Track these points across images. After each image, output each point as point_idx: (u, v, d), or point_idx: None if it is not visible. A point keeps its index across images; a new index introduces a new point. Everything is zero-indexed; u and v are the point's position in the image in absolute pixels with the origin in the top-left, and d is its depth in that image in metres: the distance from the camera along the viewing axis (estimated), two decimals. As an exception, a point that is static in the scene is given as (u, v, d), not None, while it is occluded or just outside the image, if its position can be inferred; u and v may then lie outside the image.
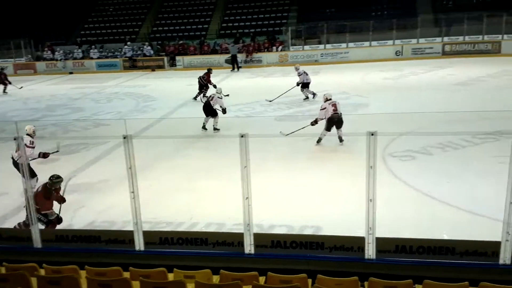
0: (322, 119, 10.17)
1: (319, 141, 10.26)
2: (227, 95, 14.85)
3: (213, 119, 11.87)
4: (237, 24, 28.02)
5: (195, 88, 16.43)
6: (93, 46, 27.25)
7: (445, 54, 22.82)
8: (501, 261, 4.61)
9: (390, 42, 23.78)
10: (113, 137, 8.75)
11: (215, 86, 14.85)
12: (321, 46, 24.80)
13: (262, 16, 28.21)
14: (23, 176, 5.76)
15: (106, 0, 31.81)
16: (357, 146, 6.67)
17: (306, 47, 25.05)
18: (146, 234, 5.27)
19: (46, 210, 6.29)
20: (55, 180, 6.37)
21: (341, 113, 10.09)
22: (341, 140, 10.16)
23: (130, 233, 5.25)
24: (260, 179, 7.43)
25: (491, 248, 4.62)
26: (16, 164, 7.89)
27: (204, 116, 11.92)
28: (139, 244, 5.23)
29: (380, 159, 8.88)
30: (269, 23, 27.73)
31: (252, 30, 27.09)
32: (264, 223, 6.61)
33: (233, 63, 23.91)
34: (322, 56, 24.03)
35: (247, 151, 5.17)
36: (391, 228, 5.88)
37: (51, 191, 6.36)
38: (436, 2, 26.53)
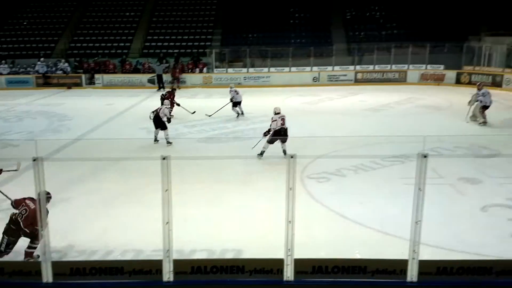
0: (276, 129, 10.76)
1: (261, 153, 10.68)
2: (194, 112, 15.80)
3: (163, 131, 12.27)
4: (160, 44, 27.71)
5: (116, 107, 15.86)
6: (3, 61, 25.34)
7: (357, 81, 24.35)
8: (408, 279, 4.88)
9: (308, 68, 24.89)
10: (22, 159, 8.10)
11: (178, 105, 15.57)
12: (244, 70, 25.28)
13: (187, 37, 28.20)
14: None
15: (21, 14, 29.92)
16: (277, 168, 6.82)
17: (230, 69, 25.40)
18: (55, 265, 4.88)
19: (30, 227, 5.72)
20: (48, 196, 5.56)
21: (287, 128, 10.73)
22: (285, 153, 10.50)
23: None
24: (181, 203, 7.31)
25: (399, 266, 4.89)
26: None
27: (154, 128, 12.44)
28: (47, 276, 4.82)
29: (298, 180, 9.18)
30: (193, 44, 27.77)
31: (176, 51, 26.95)
32: (184, 248, 6.46)
33: (159, 83, 23.54)
34: (245, 79, 24.48)
35: (168, 174, 5.06)
36: (308, 249, 6.05)
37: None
38: (349, 33, 28.40)
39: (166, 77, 23.92)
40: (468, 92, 19.73)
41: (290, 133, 13.63)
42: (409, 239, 4.97)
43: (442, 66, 23.43)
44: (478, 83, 15.04)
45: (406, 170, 9.61)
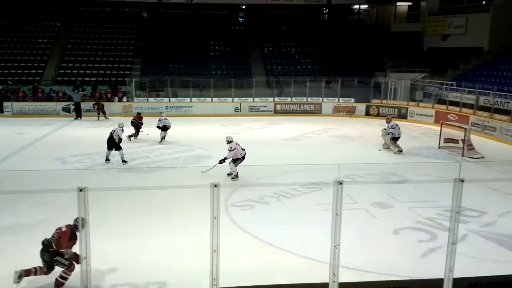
0: (238, 156, 11.42)
1: (236, 177, 11.38)
2: (147, 134, 16.95)
3: (118, 152, 13.15)
4: (76, 71, 26.60)
5: (27, 137, 14.78)
6: None
7: (276, 112, 25.19)
8: (329, 300, 5.05)
9: (230, 99, 25.30)
10: None
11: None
12: (166, 99, 25.03)
13: (104, 65, 27.41)
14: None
15: None
16: (201, 198, 6.75)
17: (151, 99, 24.99)
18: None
19: (63, 249, 6.01)
20: (82, 223, 5.30)
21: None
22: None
23: None
24: (101, 236, 6.94)
25: (321, 289, 5.05)
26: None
27: (107, 149, 13.15)
28: None
29: (223, 209, 9.15)
30: (111, 72, 27.02)
31: (94, 79, 26.00)
32: (104, 284, 6.09)
33: (77, 111, 22.43)
34: (167, 109, 24.17)
35: (86, 206, 4.81)
36: (233, 277, 6.01)
37: (75, 234, 5.95)
38: (267, 66, 29.52)
39: (84, 105, 22.90)
40: (377, 124, 21.31)
41: (213, 162, 13.68)
42: (329, 262, 5.16)
43: (353, 99, 25.10)
44: (386, 117, 16.33)
45: (324, 196, 10.03)
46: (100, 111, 22.13)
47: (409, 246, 7.80)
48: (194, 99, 24.96)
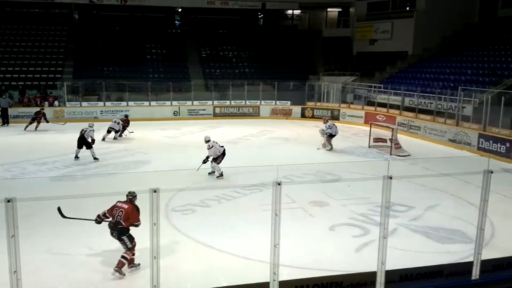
0: (218, 154, 11.96)
1: (221, 175, 11.84)
2: (132, 132, 18.12)
3: (89, 150, 13.86)
4: (2, 75, 24.88)
5: None
6: None
7: (216, 115, 25.15)
8: (270, 298, 5.14)
9: (168, 102, 24.88)
10: None
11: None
12: (101, 103, 24.10)
13: (33, 69, 25.87)
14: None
15: None
16: (140, 204, 6.60)
17: (84, 103, 23.95)
18: None
19: (136, 222, 6.67)
20: (135, 194, 6.79)
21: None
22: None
23: None
24: (27, 249, 6.55)
25: (262, 289, 5.12)
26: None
27: (77, 147, 13.83)
28: None
29: (163, 215, 8.98)
30: (41, 76, 25.56)
31: (21, 83, 24.45)
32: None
33: (3, 117, 20.92)
34: (102, 113, 23.30)
35: (15, 218, 4.52)
36: (175, 283, 5.93)
37: (137, 206, 6.71)
38: (206, 70, 29.39)
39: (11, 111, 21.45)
40: (312, 125, 21.95)
41: (152, 167, 13.39)
42: (269, 262, 5.25)
43: (289, 102, 25.68)
44: (323, 118, 16.94)
45: (265, 197, 10.17)
46: (43, 118, 20.31)
47: (344, 241, 8.11)
48: (131, 103, 24.26)
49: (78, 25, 30.41)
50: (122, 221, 6.66)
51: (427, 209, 9.74)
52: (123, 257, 6.69)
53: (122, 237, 6.70)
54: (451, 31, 27.72)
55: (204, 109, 25.14)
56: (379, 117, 21.28)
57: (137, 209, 6.69)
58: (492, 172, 5.49)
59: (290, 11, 34.48)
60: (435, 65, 25.34)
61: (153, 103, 24.69)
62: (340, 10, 33.54)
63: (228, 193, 10.52)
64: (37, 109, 20.50)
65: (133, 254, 6.74)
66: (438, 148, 17.00)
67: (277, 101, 25.76)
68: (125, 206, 6.78)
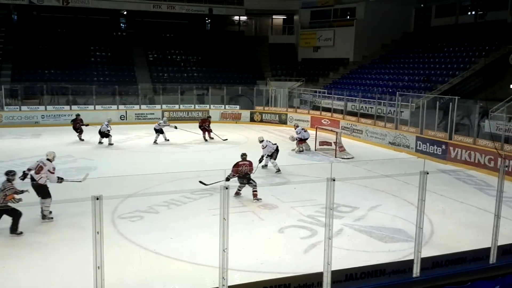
0: (272, 151, 13.44)
1: (279, 170, 13.04)
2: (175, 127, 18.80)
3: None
4: None
5: None
6: None
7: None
8: (220, 303, 5.03)
9: (115, 106, 24.07)
10: None
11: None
12: (42, 107, 22.86)
13: (-34, 71, 24.15)
14: (38, 196, 8.22)
15: None
16: (83, 212, 6.27)
17: (24, 107, 22.61)
18: None
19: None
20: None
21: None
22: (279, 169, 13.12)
23: None
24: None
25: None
26: (36, 186, 8.65)
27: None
28: None
29: (109, 222, 8.62)
30: (-25, 79, 23.90)
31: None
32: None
33: None
34: (43, 118, 22.12)
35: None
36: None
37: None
38: (153, 73, 28.77)
39: None
40: (260, 129, 22.08)
41: (97, 173, 12.83)
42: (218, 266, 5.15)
43: (238, 106, 25.70)
44: (294, 125, 17.73)
45: (214, 202, 10.04)
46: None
47: (293, 243, 8.16)
48: (74, 107, 23.24)
49: (17, 26, 28.75)
50: (248, 172, 10.30)
51: (370, 209, 10.04)
52: (255, 192, 10.27)
53: (250, 180, 10.27)
54: (389, 40, 29.05)
55: (153, 113, 24.56)
56: (324, 121, 21.80)
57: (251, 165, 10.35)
58: (428, 173, 5.72)
59: (236, 17, 34.63)
60: (374, 72, 26.40)
61: (98, 107, 23.79)
62: (285, 17, 34.16)
63: (177, 198, 10.30)
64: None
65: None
66: (379, 150, 17.65)
67: (226, 106, 25.69)
68: (247, 162, 10.48)
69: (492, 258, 6.24)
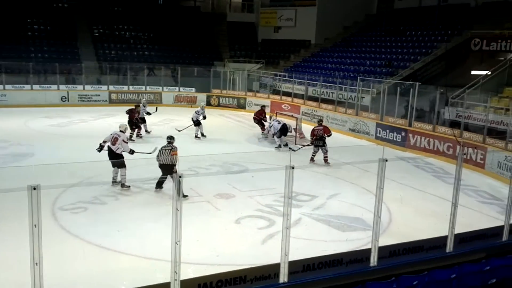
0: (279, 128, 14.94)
1: (286, 145, 14.82)
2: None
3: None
4: None
5: None
6: None
7: (112, 102, 23.96)
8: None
9: (55, 86, 23.12)
10: None
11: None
12: (-30, 87, 21.62)
13: None
14: (114, 166, 10.13)
15: None
16: (22, 204, 6.04)
17: (-51, 86, 21.30)
18: None
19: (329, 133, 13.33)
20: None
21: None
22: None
23: None
24: None
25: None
26: (112, 155, 10.31)
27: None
28: None
29: (49, 215, 8.36)
30: None
31: None
32: None
33: None
34: (-29, 99, 20.93)
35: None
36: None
37: None
38: (99, 50, 27.80)
39: None
40: (217, 114, 21.99)
41: (35, 160, 12.35)
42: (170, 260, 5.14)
43: (193, 89, 25.38)
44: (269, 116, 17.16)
45: (167, 192, 9.98)
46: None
47: (250, 234, 8.27)
48: (8, 87, 22.15)
49: None
50: (323, 134, 12.96)
51: (329, 197, 10.32)
52: (325, 157, 12.69)
53: (324, 144, 12.82)
54: (351, 22, 29.55)
55: (98, 95, 23.84)
56: (285, 106, 22.01)
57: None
58: (386, 161, 5.94)
59: (192, -9, 34.02)
60: (336, 55, 26.85)
61: (35, 86, 22.78)
62: (244, -7, 33.88)
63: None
64: None
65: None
66: (340, 137, 18.05)
67: (181, 88, 25.30)
68: (321, 127, 13.31)
69: (449, 247, 6.61)
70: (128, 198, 9.83)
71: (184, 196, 9.20)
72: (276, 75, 25.26)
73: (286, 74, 24.80)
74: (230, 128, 18.96)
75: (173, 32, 29.96)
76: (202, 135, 16.57)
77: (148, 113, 16.78)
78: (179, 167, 9.53)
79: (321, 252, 6.43)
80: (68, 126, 18.10)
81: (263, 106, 18.11)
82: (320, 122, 14.04)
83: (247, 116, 21.72)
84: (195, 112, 16.71)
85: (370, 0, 29.97)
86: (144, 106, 16.88)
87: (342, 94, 20.15)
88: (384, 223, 8.50)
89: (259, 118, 17.28)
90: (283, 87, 23.52)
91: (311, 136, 13.49)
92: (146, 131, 16.90)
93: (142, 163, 11.77)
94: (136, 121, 15.99)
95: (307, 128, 17.75)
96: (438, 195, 10.49)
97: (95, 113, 20.84)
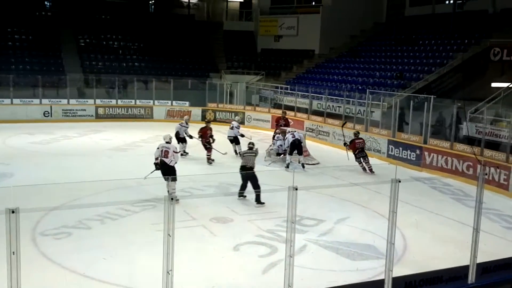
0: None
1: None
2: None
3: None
4: None
5: None
6: None
7: (99, 117, 24.06)
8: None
9: (37, 101, 23.25)
10: None
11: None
12: None
13: None
14: (167, 180, 10.43)
15: None
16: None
17: None
18: None
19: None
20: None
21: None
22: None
23: None
24: None
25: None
26: (165, 168, 11.10)
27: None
28: None
29: (28, 240, 8.31)
30: None
31: None
32: None
33: None
34: None
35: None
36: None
37: None
38: (85, 62, 28.00)
39: None
40: (214, 129, 21.93)
41: (14, 180, 12.32)
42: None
43: (187, 103, 25.49)
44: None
45: (159, 215, 9.89)
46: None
47: (250, 262, 8.20)
48: (-14, 101, 22.23)
49: None
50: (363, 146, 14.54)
51: (337, 222, 10.26)
52: (370, 168, 13.59)
53: (367, 156, 14.48)
54: (358, 30, 29.85)
55: (84, 110, 23.96)
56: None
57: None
58: (400, 181, 5.91)
59: (186, -2, 34.49)
60: (343, 66, 27.07)
61: (16, 100, 22.89)
62: (242, 0, 34.26)
63: (114, 211, 10.06)
64: None
65: None
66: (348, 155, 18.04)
67: (174, 102, 25.40)
68: (361, 139, 15.17)
69: (471, 278, 6.52)
70: (115, 222, 9.76)
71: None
72: (277, 87, 25.39)
73: (288, 86, 24.95)
74: (227, 145, 18.94)
75: (165, 42, 30.23)
76: (236, 152, 16.34)
77: (190, 136, 16.56)
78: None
79: (329, 283, 6.36)
80: (51, 143, 18.12)
81: (283, 113, 19.04)
82: (357, 134, 15.66)
83: (247, 132, 21.75)
84: (230, 128, 16.94)
85: (378, 7, 30.31)
86: (187, 125, 16.87)
87: (349, 108, 20.22)
88: (398, 251, 8.43)
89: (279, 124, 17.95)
90: (285, 101, 23.62)
91: (352, 150, 15.18)
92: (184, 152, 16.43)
93: (133, 184, 11.76)
94: (208, 142, 15.80)
95: (311, 145, 17.76)
96: (458, 220, 10.44)
97: (80, 129, 20.87)
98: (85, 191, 11.09)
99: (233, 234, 9.31)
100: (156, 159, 11.38)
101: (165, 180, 10.73)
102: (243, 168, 11.33)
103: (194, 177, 12.67)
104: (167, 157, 11.16)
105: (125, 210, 10.24)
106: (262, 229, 9.61)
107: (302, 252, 8.49)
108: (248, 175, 10.88)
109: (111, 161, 15.66)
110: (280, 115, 19.15)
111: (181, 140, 16.39)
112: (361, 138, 15.55)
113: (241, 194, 11.05)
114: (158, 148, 11.47)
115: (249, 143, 11.98)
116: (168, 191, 10.54)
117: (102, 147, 17.74)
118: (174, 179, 10.62)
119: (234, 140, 16.72)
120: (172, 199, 5.06)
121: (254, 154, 11.60)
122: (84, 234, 9.08)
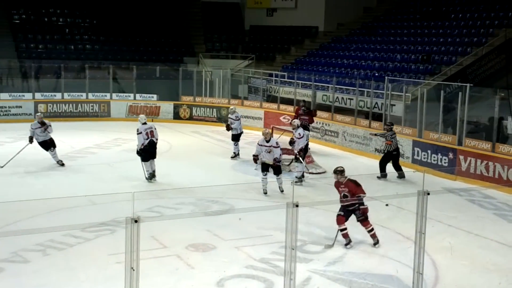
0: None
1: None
2: None
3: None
4: None
5: None
6: None
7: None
8: None
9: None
10: None
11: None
12: None
13: None
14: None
15: None
16: None
17: None
18: None
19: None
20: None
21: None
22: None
23: None
24: None
25: None
26: (155, 147, 14.32)
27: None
28: None
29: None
30: None
31: None
32: None
33: None
34: None
35: None
36: None
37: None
38: (21, 44, 27.84)
39: None
40: (189, 131, 22.01)
41: None
42: None
43: (155, 96, 25.41)
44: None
45: (119, 242, 9.88)
46: None
47: (237, 301, 8.20)
48: None
49: None
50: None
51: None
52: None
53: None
54: (374, 1, 30.01)
55: (20, 106, 23.92)
56: (284, 118, 22.07)
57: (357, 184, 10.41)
58: (429, 193, 5.94)
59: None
60: (354, 47, 27.21)
61: None
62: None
63: (60, 238, 10.02)
64: None
65: None
66: (362, 161, 18.12)
67: (137, 95, 25.36)
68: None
69: None
70: (62, 252, 9.71)
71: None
72: (271, 75, 25.44)
73: (285, 73, 25.04)
74: (207, 151, 18.93)
75: (125, 18, 30.23)
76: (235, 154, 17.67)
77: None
78: (133, 207, 9.49)
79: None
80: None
81: (303, 101, 19.50)
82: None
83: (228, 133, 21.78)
84: (236, 119, 18.01)
85: (400, -29, 30.51)
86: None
87: (364, 101, 20.30)
88: (428, 283, 8.47)
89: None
90: (281, 92, 23.67)
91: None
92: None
93: (85, 203, 11.71)
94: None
95: (315, 149, 17.78)
96: (504, 242, 10.49)
97: (14, 132, 20.69)
98: (21, 213, 11.03)
99: (216, 266, 9.30)
100: (142, 144, 13.75)
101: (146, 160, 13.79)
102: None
103: (164, 193, 12.62)
104: (153, 136, 14.04)
105: (74, 237, 10.18)
106: (253, 258, 9.60)
107: (306, 287, 8.50)
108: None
109: (55, 174, 15.58)
110: (298, 106, 19.42)
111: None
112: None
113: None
114: (140, 133, 13.91)
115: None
116: (147, 171, 13.71)
117: (44, 155, 17.63)
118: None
119: (237, 138, 17.57)
120: (136, 221, 5.05)
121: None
122: (21, 270, 9.02)
